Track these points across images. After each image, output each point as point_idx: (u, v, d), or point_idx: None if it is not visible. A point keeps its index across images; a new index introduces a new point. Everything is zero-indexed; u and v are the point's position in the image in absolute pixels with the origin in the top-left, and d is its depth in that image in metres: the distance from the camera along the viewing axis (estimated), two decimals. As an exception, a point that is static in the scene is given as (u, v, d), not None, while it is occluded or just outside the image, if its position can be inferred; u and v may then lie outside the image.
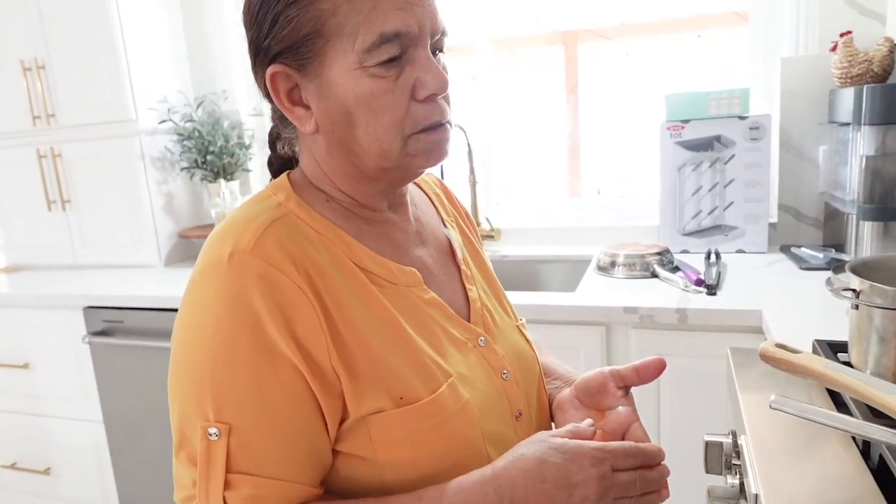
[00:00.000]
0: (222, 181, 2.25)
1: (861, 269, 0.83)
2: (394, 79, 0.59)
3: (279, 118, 0.69)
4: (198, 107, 2.30)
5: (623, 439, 0.65)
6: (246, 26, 0.63)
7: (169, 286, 1.99)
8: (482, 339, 0.70)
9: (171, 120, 2.20)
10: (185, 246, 2.35)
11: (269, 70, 0.61)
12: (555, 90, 2.17)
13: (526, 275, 2.02)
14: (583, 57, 2.12)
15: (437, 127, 0.62)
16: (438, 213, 0.80)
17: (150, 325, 1.89)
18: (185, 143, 2.25)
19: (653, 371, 0.68)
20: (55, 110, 2.18)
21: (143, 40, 2.15)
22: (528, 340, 0.78)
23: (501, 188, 2.26)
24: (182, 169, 2.28)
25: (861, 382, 0.64)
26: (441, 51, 0.64)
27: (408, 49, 0.59)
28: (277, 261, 0.57)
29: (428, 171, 0.73)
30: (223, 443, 0.55)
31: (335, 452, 0.61)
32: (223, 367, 0.56)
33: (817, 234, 1.80)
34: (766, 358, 0.75)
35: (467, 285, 0.74)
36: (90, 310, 1.96)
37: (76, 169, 2.24)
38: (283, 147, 0.72)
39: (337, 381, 0.58)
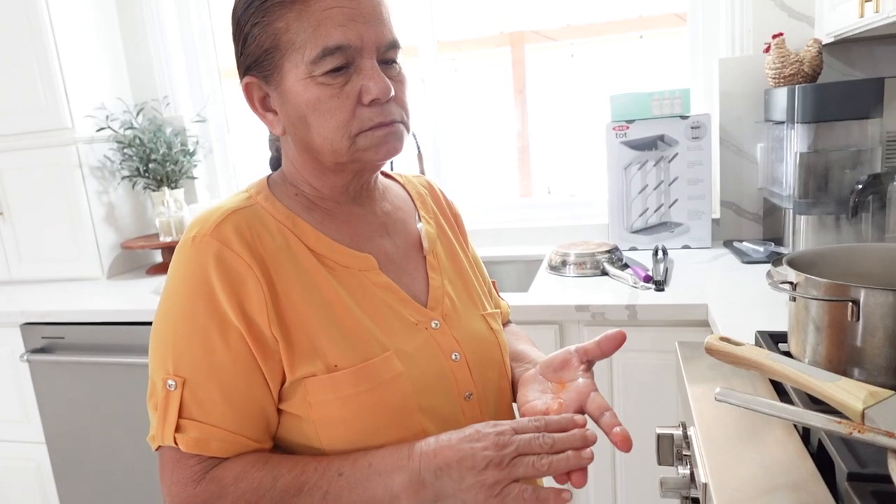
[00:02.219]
0: (166, 189, 2.19)
1: (798, 262, 0.86)
2: (340, 86, 0.67)
3: None
4: (138, 113, 2.22)
5: (583, 408, 0.69)
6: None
7: (112, 299, 1.92)
8: (435, 322, 0.75)
9: (109, 128, 2.13)
10: (129, 257, 2.27)
11: (244, 81, 0.72)
12: (504, 91, 2.19)
13: (480, 276, 2.03)
14: (530, 58, 2.15)
15: (385, 125, 0.69)
16: (417, 209, 0.86)
17: (93, 340, 1.81)
18: (125, 151, 2.18)
19: (613, 343, 0.72)
20: (-16, 119, 2.08)
21: (76, 45, 2.07)
22: (492, 329, 0.82)
23: (453, 190, 2.27)
24: (123, 178, 2.21)
25: (798, 371, 0.67)
26: (393, 61, 0.71)
27: (354, 60, 0.67)
28: (232, 243, 0.67)
29: (418, 174, 0.93)
30: (178, 393, 0.66)
31: (280, 412, 0.69)
32: (182, 330, 0.67)
33: (758, 229, 1.87)
34: (711, 351, 0.77)
35: (431, 274, 0.80)
36: (28, 326, 1.87)
37: (9, 180, 2.14)
38: (274, 150, 0.82)
39: (276, 346, 0.67)
